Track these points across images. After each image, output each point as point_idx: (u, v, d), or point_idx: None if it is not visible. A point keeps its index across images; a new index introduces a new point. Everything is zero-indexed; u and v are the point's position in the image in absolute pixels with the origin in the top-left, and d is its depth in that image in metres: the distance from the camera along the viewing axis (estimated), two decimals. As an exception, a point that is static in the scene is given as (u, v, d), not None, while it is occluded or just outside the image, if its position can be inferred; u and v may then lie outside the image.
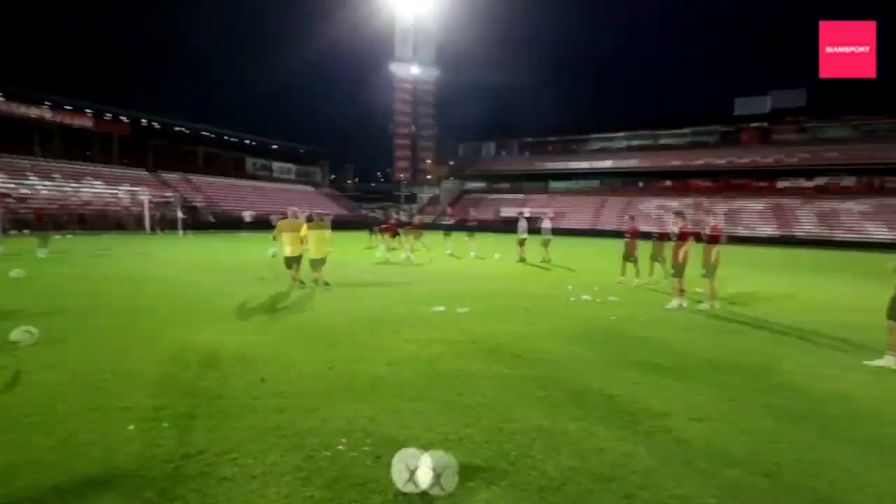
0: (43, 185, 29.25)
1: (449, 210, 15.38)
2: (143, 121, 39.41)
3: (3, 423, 2.88)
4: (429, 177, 68.97)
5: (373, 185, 76.25)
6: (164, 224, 29.63)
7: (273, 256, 10.40)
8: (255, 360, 4.18)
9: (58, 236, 17.96)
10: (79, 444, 2.62)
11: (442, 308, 6.63)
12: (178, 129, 42.28)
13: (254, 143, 49.08)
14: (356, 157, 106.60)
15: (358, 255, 15.61)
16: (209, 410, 3.11)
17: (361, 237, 27.66)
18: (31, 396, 3.30)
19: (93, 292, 7.62)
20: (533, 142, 56.59)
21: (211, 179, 42.78)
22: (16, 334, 4.49)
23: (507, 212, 47.14)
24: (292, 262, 8.26)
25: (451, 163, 62.13)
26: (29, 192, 27.92)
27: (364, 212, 66.55)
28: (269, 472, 2.38)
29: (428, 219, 48.19)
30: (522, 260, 14.17)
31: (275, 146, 51.50)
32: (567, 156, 52.66)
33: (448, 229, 17.00)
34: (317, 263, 8.30)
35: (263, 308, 6.61)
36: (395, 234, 14.70)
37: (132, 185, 32.51)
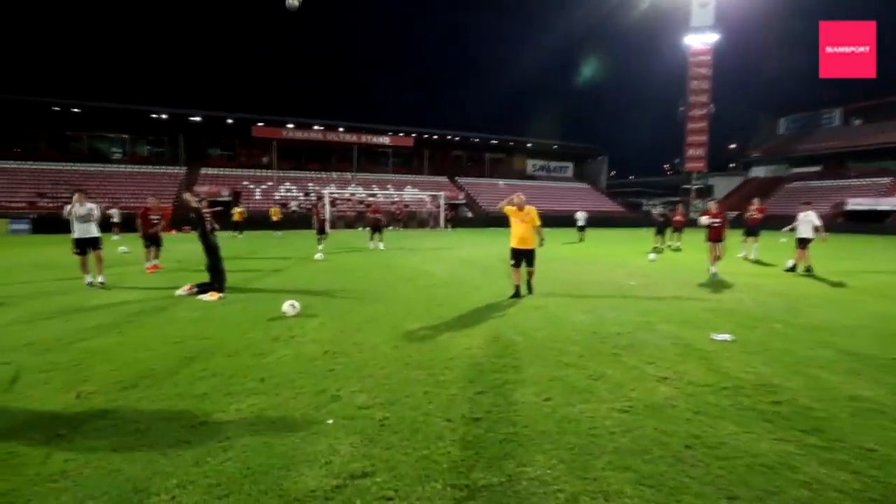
0: (361, 192, 38.80)
1: (756, 203, 11.60)
2: (448, 136, 47.31)
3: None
4: (732, 165, 56.89)
5: (652, 179, 68.62)
6: (456, 222, 34.79)
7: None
8: (463, 365, 3.74)
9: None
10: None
11: (727, 336, 4.67)
12: (473, 140, 48.85)
13: (533, 145, 51.74)
14: (636, 150, 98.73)
15: (630, 255, 13.86)
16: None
17: (641, 236, 24.95)
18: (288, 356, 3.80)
19: (364, 278, 9.06)
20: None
21: (495, 181, 47.69)
22: (284, 307, 5.62)
23: (859, 203, 33.86)
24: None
25: (759, 145, 49.39)
26: (349, 197, 37.59)
27: (647, 208, 60.87)
28: None
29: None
30: (807, 269, 9.83)
31: (554, 146, 52.89)
32: None
33: (753, 229, 12.78)
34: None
35: (482, 312, 6.22)
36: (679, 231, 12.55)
37: (434, 189, 39.38)
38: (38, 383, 3.49)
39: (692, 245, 17.86)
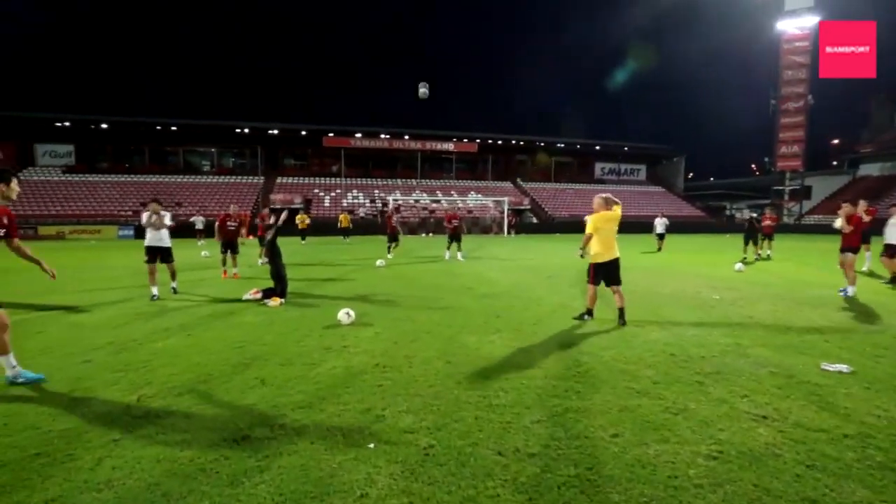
0: (425, 198, 39.02)
1: (863, 205, 9.98)
2: (513, 141, 46.64)
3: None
4: (834, 163, 50.65)
5: (739, 179, 62.71)
6: (520, 228, 34.09)
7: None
8: (520, 386, 3.40)
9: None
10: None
11: (843, 367, 3.89)
12: (538, 143, 47.75)
13: (601, 147, 49.55)
14: (718, 150, 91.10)
15: (713, 265, 12.63)
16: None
17: (725, 243, 22.88)
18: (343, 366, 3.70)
19: (424, 286, 8.90)
20: None
21: (562, 186, 46.27)
22: (340, 315, 5.58)
23: None
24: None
25: (871, 139, 43.50)
26: (413, 203, 37.86)
27: (731, 213, 55.86)
28: None
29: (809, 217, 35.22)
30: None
31: (625, 148, 50.35)
32: None
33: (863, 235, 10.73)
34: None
35: (544, 326, 5.76)
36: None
37: (498, 194, 38.89)
38: (108, 384, 3.66)
39: (785, 253, 15.93)
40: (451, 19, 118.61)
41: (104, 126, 37.94)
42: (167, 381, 3.68)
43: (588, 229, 5.61)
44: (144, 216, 7.58)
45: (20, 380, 3.64)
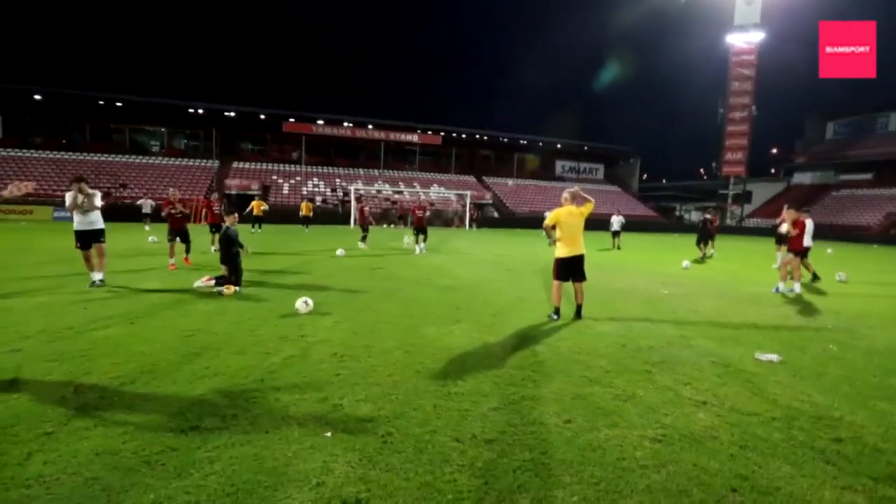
0: (388, 189, 38.77)
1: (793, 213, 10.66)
2: (477, 135, 46.88)
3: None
4: (772, 170, 54.35)
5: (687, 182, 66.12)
6: (481, 222, 34.43)
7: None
8: (479, 375, 3.45)
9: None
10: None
11: (774, 357, 4.21)
12: (502, 139, 48.25)
13: (563, 145, 50.71)
14: (670, 153, 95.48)
15: (663, 263, 13.26)
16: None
17: (674, 242, 24.14)
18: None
19: (384, 276, 8.85)
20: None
21: (524, 182, 47.07)
22: (297, 304, 5.46)
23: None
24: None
25: (805, 150, 47.05)
26: (375, 194, 37.57)
27: (681, 213, 58.78)
28: None
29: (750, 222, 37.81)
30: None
31: (585, 147, 51.74)
32: None
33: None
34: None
35: (503, 318, 5.89)
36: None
37: (461, 188, 39.04)
38: (42, 373, 3.40)
39: (728, 253, 16.97)
40: (427, 13, 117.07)
41: (37, 97, 34.82)
42: (108, 372, 3.47)
43: (548, 221, 5.67)
44: (69, 197, 6.63)
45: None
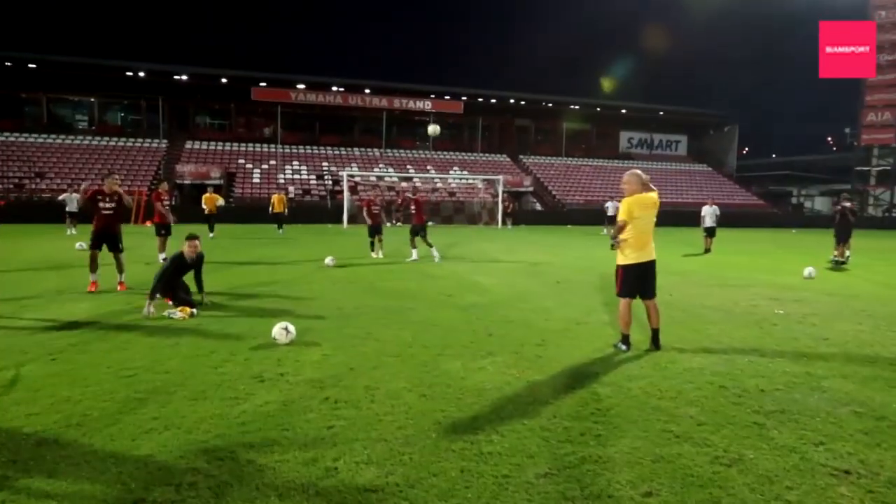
0: (392, 174, 39.03)
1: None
2: (511, 99, 46.90)
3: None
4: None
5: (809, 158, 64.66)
6: (519, 217, 34.37)
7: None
8: (521, 429, 3.42)
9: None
10: None
11: None
12: (545, 104, 48.11)
13: (628, 111, 50.27)
14: (782, 118, 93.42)
15: (776, 271, 13.02)
16: None
17: (791, 240, 23.73)
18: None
19: (389, 292, 8.90)
20: None
21: (575, 161, 46.86)
22: (275, 331, 5.57)
23: None
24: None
25: None
26: (376, 181, 37.86)
27: (800, 200, 57.65)
28: None
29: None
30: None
31: (660, 112, 51.25)
32: None
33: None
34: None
35: (552, 348, 5.84)
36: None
37: (492, 171, 39.04)
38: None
39: (870, 255, 16.52)
40: None
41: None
42: (22, 426, 3.56)
43: (621, 215, 5.59)
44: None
45: None
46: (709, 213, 17.71)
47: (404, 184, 37.77)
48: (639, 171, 5.81)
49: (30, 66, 37.71)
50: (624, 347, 5.53)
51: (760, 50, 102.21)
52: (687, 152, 53.31)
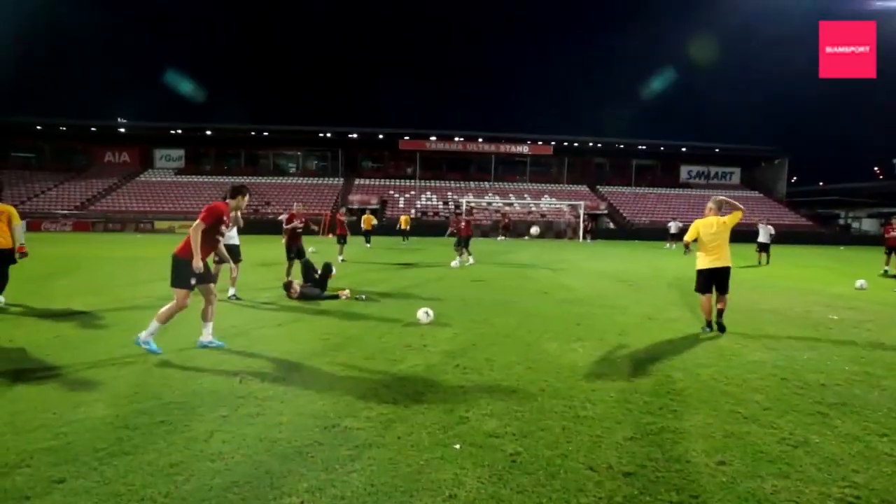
0: (498, 201, 38.51)
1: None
2: (590, 143, 44.83)
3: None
4: None
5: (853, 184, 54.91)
6: (597, 234, 32.74)
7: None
8: (609, 400, 3.22)
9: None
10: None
11: None
12: (617, 146, 45.44)
13: (687, 149, 46.07)
14: (829, 149, 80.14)
15: (827, 282, 11.29)
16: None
17: (839, 256, 20.53)
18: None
19: (498, 288, 8.77)
20: None
21: (643, 190, 43.83)
22: (419, 314, 5.68)
23: None
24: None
25: None
26: (486, 206, 37.51)
27: (847, 221, 49.32)
28: None
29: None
30: None
31: (716, 150, 46.34)
32: None
33: None
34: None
35: (630, 337, 5.41)
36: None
37: (575, 198, 37.62)
38: (216, 363, 4.01)
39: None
40: (516, 29, 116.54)
41: (209, 133, 42.20)
42: (268, 364, 3.99)
43: (687, 236, 5.67)
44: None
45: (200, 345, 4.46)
46: (763, 231, 15.65)
47: (506, 207, 37.46)
48: (720, 197, 5.73)
49: (264, 133, 42.76)
50: (708, 329, 5.49)
51: (816, 87, 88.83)
52: (740, 181, 47.59)
